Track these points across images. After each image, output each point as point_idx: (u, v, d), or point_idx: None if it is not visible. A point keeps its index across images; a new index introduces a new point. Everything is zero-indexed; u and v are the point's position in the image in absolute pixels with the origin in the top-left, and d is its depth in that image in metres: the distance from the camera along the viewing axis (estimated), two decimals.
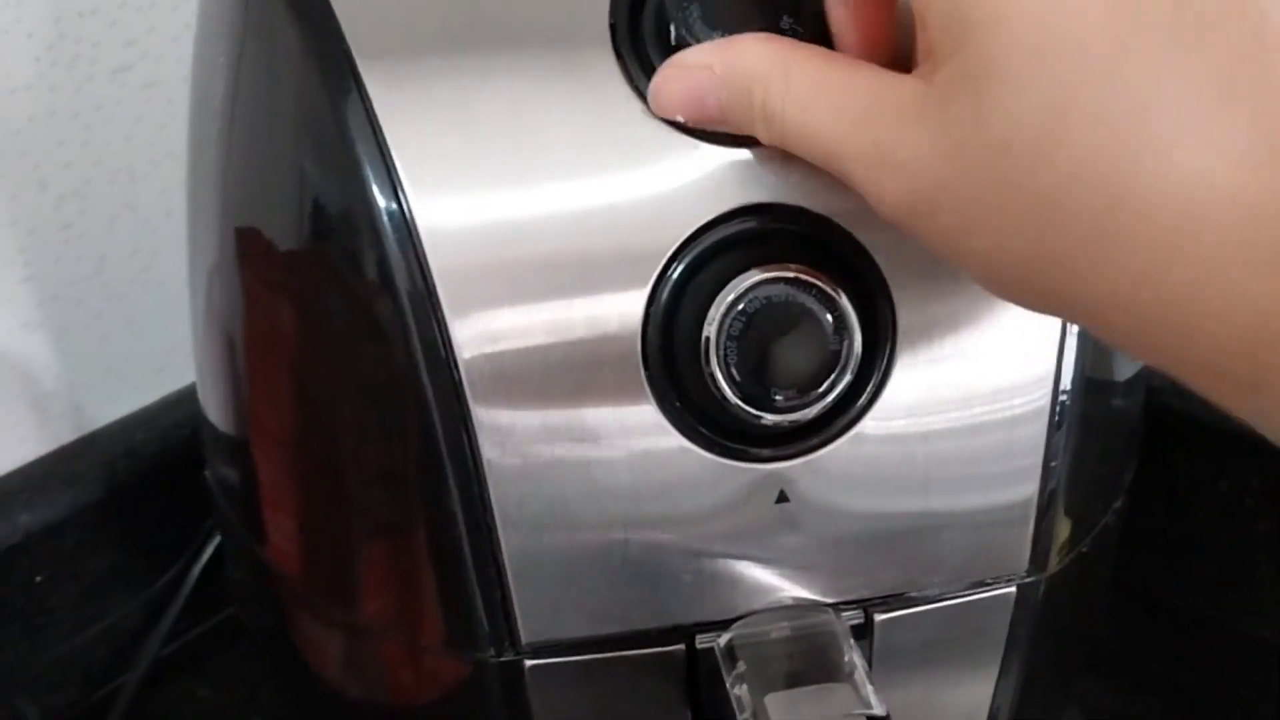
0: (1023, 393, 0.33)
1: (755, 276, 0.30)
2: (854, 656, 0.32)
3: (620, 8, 0.31)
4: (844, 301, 0.30)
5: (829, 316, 0.30)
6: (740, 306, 0.30)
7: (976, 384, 0.32)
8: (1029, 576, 0.35)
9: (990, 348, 0.32)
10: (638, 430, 0.32)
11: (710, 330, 0.30)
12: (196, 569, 0.58)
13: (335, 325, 0.34)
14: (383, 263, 0.31)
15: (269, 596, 0.42)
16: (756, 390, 0.31)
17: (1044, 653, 0.39)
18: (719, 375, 0.31)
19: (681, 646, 0.34)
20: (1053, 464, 0.34)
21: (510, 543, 0.32)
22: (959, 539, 0.34)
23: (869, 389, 0.32)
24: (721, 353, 0.30)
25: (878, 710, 0.31)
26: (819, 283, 0.30)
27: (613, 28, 0.31)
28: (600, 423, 0.32)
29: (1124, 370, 0.38)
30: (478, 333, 0.31)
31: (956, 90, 0.25)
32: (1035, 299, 0.26)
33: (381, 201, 0.31)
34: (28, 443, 0.57)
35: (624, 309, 0.31)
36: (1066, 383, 0.33)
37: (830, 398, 0.31)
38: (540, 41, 0.31)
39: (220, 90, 0.36)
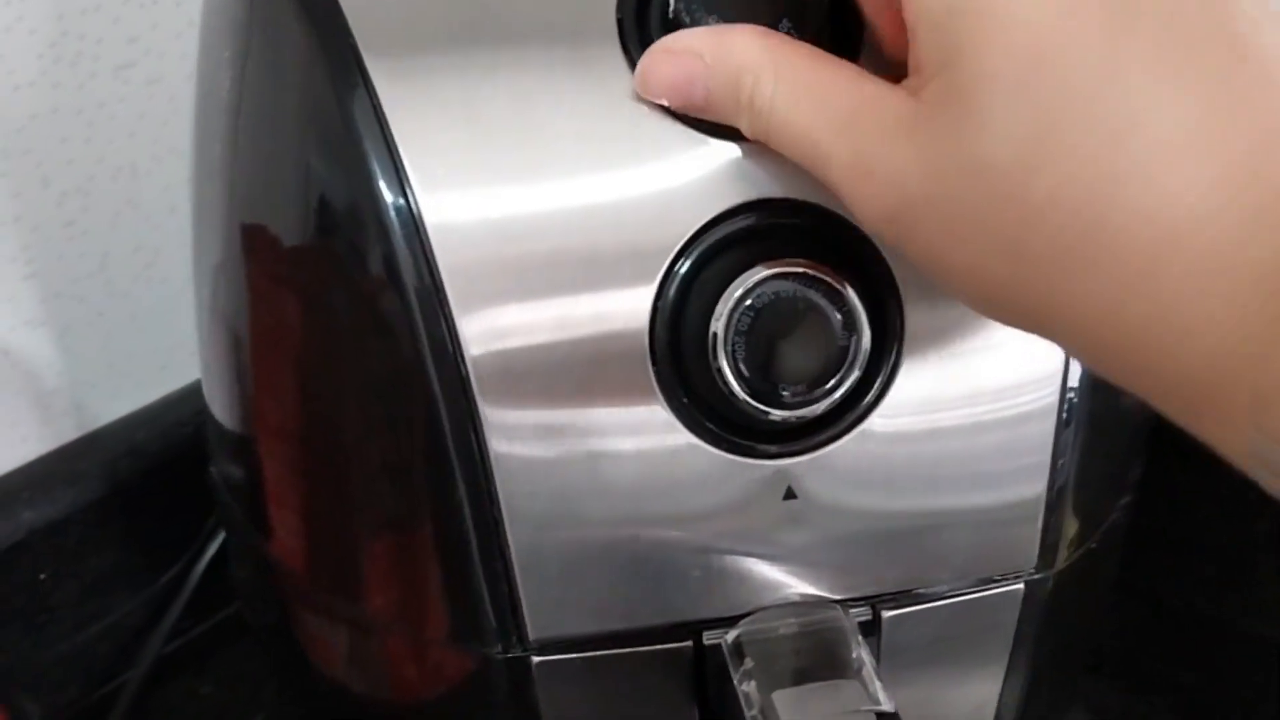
0: (1031, 390, 0.33)
1: (763, 272, 0.30)
2: (862, 653, 0.32)
3: (627, 3, 0.31)
4: (852, 297, 0.30)
5: (837, 312, 0.30)
6: (748, 302, 0.30)
7: (984, 381, 0.32)
8: (1037, 573, 0.35)
9: (998, 345, 0.32)
10: (645, 426, 0.32)
11: (718, 326, 0.30)
12: (199, 567, 0.58)
13: (342, 321, 0.34)
14: (390, 258, 0.31)
15: (274, 593, 0.42)
16: (764, 386, 0.31)
17: (1051, 650, 0.38)
18: (727, 371, 0.30)
19: (689, 643, 0.34)
20: (1061, 461, 0.34)
21: (517, 538, 0.32)
22: (967, 536, 0.34)
23: (877, 385, 0.32)
24: (729, 348, 0.30)
25: (886, 707, 0.31)
26: (827, 278, 0.30)
27: (620, 23, 0.31)
28: (607, 418, 0.32)
29: None
30: (485, 328, 0.31)
31: (942, 108, 0.25)
32: (1012, 316, 0.27)
33: (388, 197, 0.31)
34: (30, 440, 0.57)
35: (631, 305, 0.31)
36: (1074, 380, 0.33)
37: (838, 394, 0.31)
38: (547, 37, 0.31)
39: (225, 86, 0.36)
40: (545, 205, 0.30)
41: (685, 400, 0.32)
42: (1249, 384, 0.22)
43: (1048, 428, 0.33)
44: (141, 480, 0.58)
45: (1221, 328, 0.23)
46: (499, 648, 0.34)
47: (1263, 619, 0.54)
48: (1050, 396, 0.33)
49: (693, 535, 0.33)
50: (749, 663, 0.33)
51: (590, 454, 0.32)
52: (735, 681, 0.32)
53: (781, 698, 0.31)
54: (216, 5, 0.37)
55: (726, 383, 0.31)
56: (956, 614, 0.35)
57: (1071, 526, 0.36)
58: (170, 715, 0.59)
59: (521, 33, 0.31)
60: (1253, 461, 0.24)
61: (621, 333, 0.31)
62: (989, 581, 0.35)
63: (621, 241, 0.31)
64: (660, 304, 0.31)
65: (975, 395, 0.33)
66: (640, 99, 0.30)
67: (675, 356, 0.31)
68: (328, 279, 0.34)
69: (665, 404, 0.31)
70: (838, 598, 0.34)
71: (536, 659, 0.34)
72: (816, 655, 0.33)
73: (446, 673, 0.37)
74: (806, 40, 0.29)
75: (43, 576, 0.55)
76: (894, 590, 0.35)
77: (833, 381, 0.31)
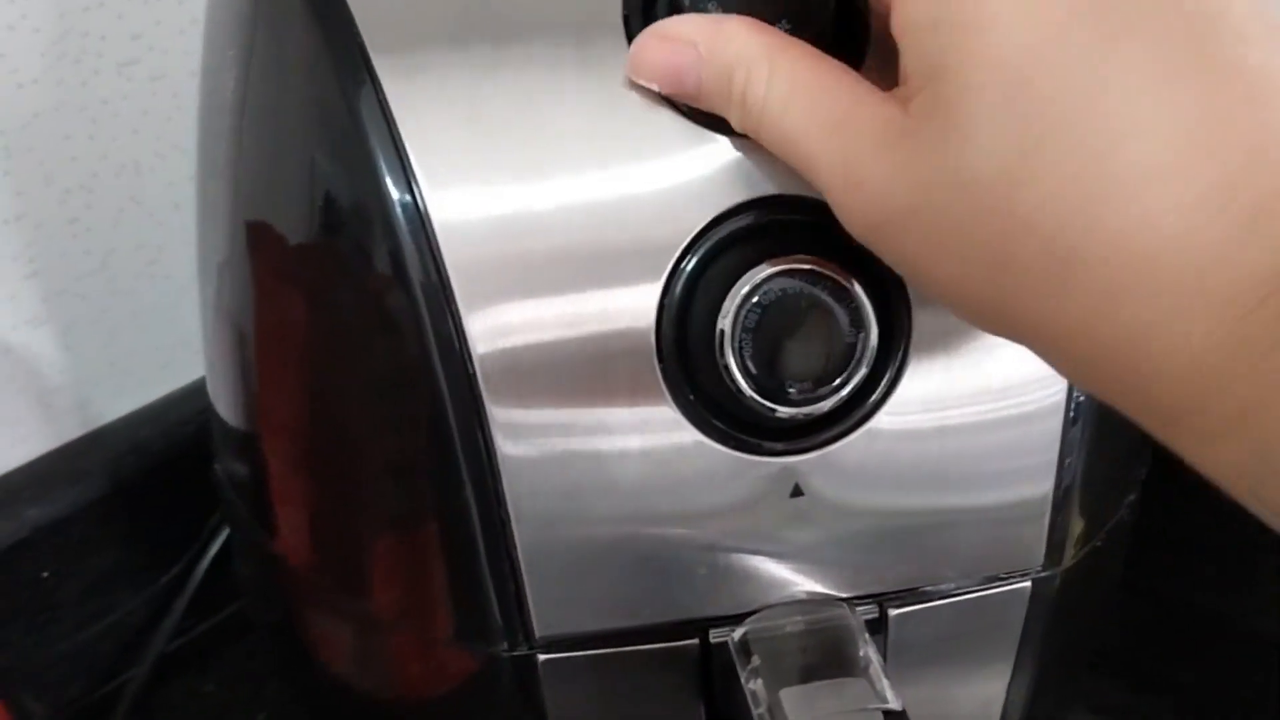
0: (1038, 388, 0.33)
1: (770, 269, 0.30)
2: (869, 651, 0.32)
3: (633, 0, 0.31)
4: (860, 294, 0.30)
5: (844, 309, 0.30)
6: (755, 299, 0.30)
7: (992, 379, 0.32)
8: (1044, 571, 0.35)
9: (1006, 343, 0.32)
10: (651, 424, 0.32)
11: (725, 323, 0.30)
12: (202, 565, 0.58)
13: (348, 319, 0.34)
14: (396, 255, 0.31)
15: (278, 590, 0.42)
16: (771, 383, 0.31)
17: (1057, 648, 0.38)
18: (734, 368, 0.30)
19: (695, 641, 0.34)
20: (1068, 459, 0.34)
21: (524, 536, 0.32)
22: (973, 534, 0.34)
23: (884, 383, 0.32)
24: (736, 345, 0.30)
25: (894, 705, 0.31)
26: (834, 275, 0.30)
27: (626, 19, 0.31)
28: (614, 416, 0.32)
29: None
30: (491, 326, 0.31)
31: (927, 120, 0.25)
32: (996, 327, 0.27)
33: (395, 194, 0.30)
34: (33, 438, 0.57)
35: (638, 302, 0.31)
36: None
37: (845, 391, 0.31)
38: (554, 34, 0.31)
39: (231, 84, 0.36)
40: (552, 202, 0.30)
41: (691, 398, 0.32)
42: (1230, 400, 0.23)
43: (1055, 426, 0.33)
44: (144, 479, 0.58)
45: (1201, 344, 0.23)
46: (505, 646, 0.34)
47: (1264, 617, 0.54)
48: (1057, 395, 0.33)
49: (699, 533, 0.33)
50: (756, 660, 0.32)
51: (596, 452, 0.32)
52: (742, 679, 0.32)
53: (789, 695, 0.31)
54: (221, 2, 0.37)
55: (734, 380, 0.30)
56: (963, 612, 0.35)
57: (1078, 525, 0.36)
58: (173, 714, 0.59)
59: (528, 30, 0.31)
60: (1232, 479, 0.24)
61: (628, 330, 0.31)
62: (996, 580, 0.35)
63: (628, 238, 0.31)
64: (667, 301, 0.31)
65: (982, 393, 0.32)
66: (642, 91, 0.30)
67: (682, 354, 0.31)
68: (334, 276, 0.34)
69: (671, 402, 0.31)
70: (844, 595, 0.34)
71: (542, 657, 0.34)
72: (823, 653, 0.33)
73: (452, 671, 0.37)
74: (806, 40, 0.29)
75: (45, 575, 0.55)
76: (901, 588, 0.35)
77: (840, 379, 0.31)
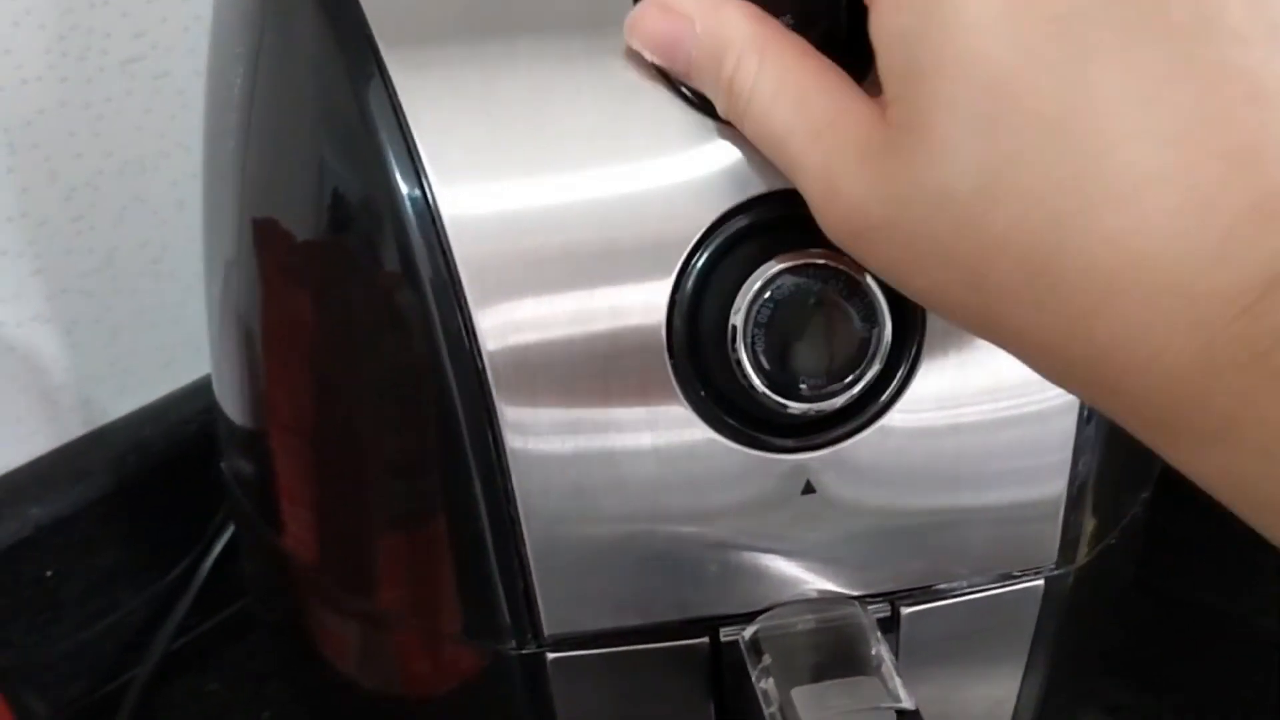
0: (1052, 386, 0.32)
1: (782, 264, 0.30)
2: (881, 649, 0.32)
3: None
4: (873, 289, 0.30)
5: (858, 304, 0.30)
6: (767, 294, 0.30)
7: (1006, 376, 0.32)
8: (1057, 569, 0.35)
9: None
10: (662, 421, 0.31)
11: (737, 319, 0.30)
12: (206, 563, 0.58)
13: (357, 315, 0.34)
14: (405, 251, 0.31)
15: (285, 588, 0.41)
16: (783, 379, 0.30)
17: (1071, 646, 0.38)
18: (746, 364, 0.30)
19: (705, 639, 0.34)
20: (1082, 457, 0.34)
21: (533, 534, 0.32)
22: (987, 532, 0.34)
23: (897, 379, 0.32)
24: (748, 341, 0.30)
25: (907, 704, 0.30)
26: (848, 270, 0.30)
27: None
28: (624, 413, 0.31)
29: None
30: (502, 322, 0.30)
31: (903, 132, 0.25)
32: (978, 333, 0.27)
33: (404, 189, 0.30)
34: (37, 437, 0.57)
35: (649, 298, 0.31)
36: None
37: (858, 387, 0.31)
38: (564, 26, 0.31)
39: (238, 79, 0.36)
40: (562, 198, 0.30)
41: (703, 394, 0.31)
42: (1211, 410, 0.23)
43: (1069, 423, 0.33)
44: (148, 477, 0.58)
45: (1177, 358, 0.23)
46: (513, 644, 0.34)
47: (1274, 616, 0.54)
48: None
49: (710, 531, 0.33)
50: (767, 659, 0.32)
51: (606, 449, 0.32)
52: (753, 678, 0.32)
53: (800, 694, 0.31)
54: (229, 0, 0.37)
55: (746, 376, 0.30)
56: (976, 610, 0.35)
57: (1092, 522, 0.35)
58: (176, 713, 0.59)
59: (539, 23, 0.31)
60: (1220, 486, 0.24)
61: (638, 327, 0.31)
62: (1009, 578, 0.35)
63: (639, 234, 0.30)
64: (678, 297, 0.31)
65: (997, 390, 0.32)
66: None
67: (693, 350, 0.31)
68: (342, 273, 0.34)
69: (682, 398, 0.31)
70: (856, 594, 0.34)
71: (551, 655, 0.34)
72: (835, 652, 0.33)
73: (460, 669, 0.37)
74: (812, 39, 0.29)
75: (49, 573, 0.55)
76: (913, 586, 0.34)
77: (853, 375, 0.31)
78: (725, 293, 0.30)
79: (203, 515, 0.58)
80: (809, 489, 0.32)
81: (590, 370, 0.31)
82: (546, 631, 0.33)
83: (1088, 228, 0.23)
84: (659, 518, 0.32)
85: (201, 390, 0.57)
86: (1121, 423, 0.25)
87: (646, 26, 0.29)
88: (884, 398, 0.32)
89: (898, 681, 0.31)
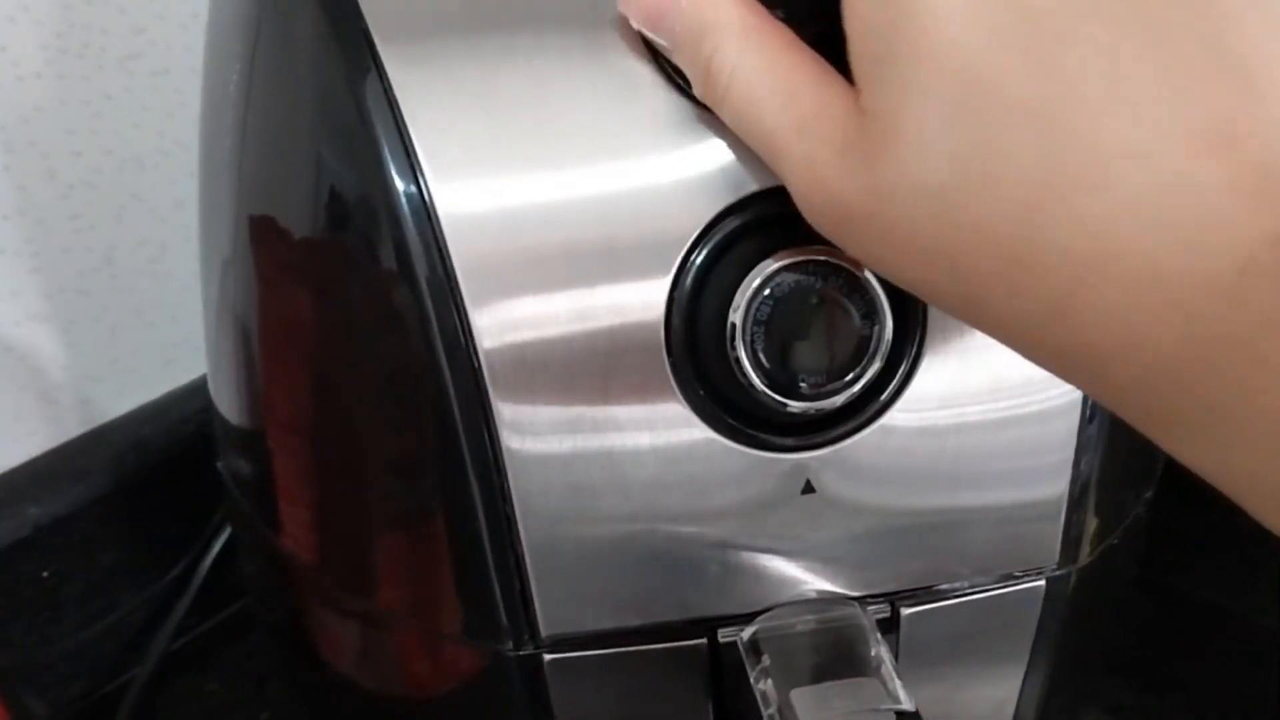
0: (1054, 384, 0.32)
1: (782, 260, 0.30)
2: (881, 650, 0.32)
3: None
4: (874, 286, 0.30)
5: (858, 302, 0.30)
6: (767, 291, 0.30)
7: (1008, 375, 0.32)
8: (1059, 569, 0.35)
9: None
10: (660, 420, 0.31)
11: (736, 316, 0.30)
12: (205, 563, 0.58)
13: (353, 314, 0.34)
14: (401, 249, 0.30)
15: (283, 588, 0.41)
16: (783, 377, 0.30)
17: (1073, 646, 0.38)
18: (745, 362, 0.30)
19: (704, 640, 0.34)
20: (1084, 457, 0.33)
21: (530, 534, 0.32)
22: (988, 532, 0.34)
23: (898, 377, 0.32)
24: (747, 339, 0.30)
25: (906, 705, 0.30)
26: (848, 267, 0.30)
27: None
28: (622, 412, 0.31)
29: None
30: (498, 320, 0.30)
31: (878, 122, 0.25)
32: (965, 320, 0.27)
33: (400, 186, 0.30)
34: (35, 436, 0.57)
35: (647, 296, 0.30)
36: None
37: (858, 385, 0.31)
38: (562, 22, 0.31)
39: (235, 76, 0.36)
40: (559, 195, 0.30)
41: (701, 393, 0.31)
42: (1195, 398, 0.22)
43: (1071, 423, 0.33)
44: (147, 476, 0.58)
45: (1168, 339, 0.22)
46: (510, 644, 0.33)
47: (1276, 615, 0.54)
48: (1074, 391, 0.33)
49: (708, 530, 0.32)
50: (766, 660, 0.32)
51: (604, 448, 0.31)
52: (752, 679, 0.32)
53: (799, 696, 0.31)
54: None
55: (745, 374, 0.30)
56: (977, 611, 0.35)
57: (1094, 522, 0.35)
58: (175, 713, 0.59)
59: (536, 19, 0.31)
60: (1221, 476, 0.23)
61: (636, 325, 0.30)
62: (1010, 578, 0.35)
63: (636, 231, 0.30)
64: (676, 295, 0.30)
65: (998, 390, 0.32)
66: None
67: (691, 349, 0.31)
68: (338, 271, 0.33)
69: (681, 397, 0.31)
70: (856, 594, 0.34)
71: (548, 656, 0.33)
72: (835, 652, 0.32)
73: (458, 669, 0.36)
74: (802, 35, 0.28)
75: (48, 573, 0.55)
76: (913, 587, 0.34)
77: (853, 373, 0.30)
78: (724, 290, 0.30)
79: (202, 515, 0.58)
80: (809, 488, 0.32)
81: (587, 369, 0.31)
82: (544, 632, 0.33)
83: (1061, 215, 0.23)
84: (657, 517, 0.32)
85: (201, 389, 0.57)
86: (1116, 411, 0.25)
87: None
88: (884, 396, 0.32)
89: (897, 683, 0.31)
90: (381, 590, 0.36)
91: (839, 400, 0.31)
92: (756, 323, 0.30)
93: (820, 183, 0.26)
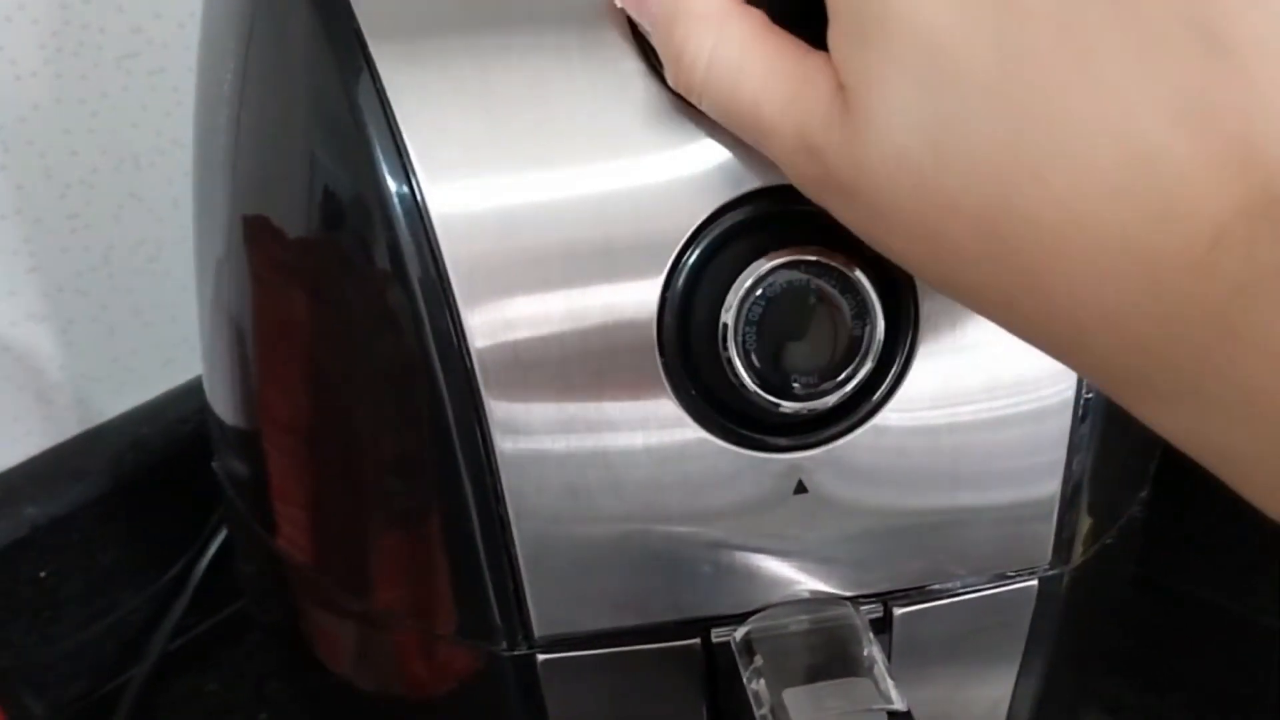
0: (1048, 384, 0.32)
1: (774, 260, 0.30)
2: (873, 651, 0.32)
3: None
4: (866, 285, 0.30)
5: (850, 301, 0.30)
6: (759, 291, 0.30)
7: (1000, 374, 0.32)
8: (1052, 569, 0.35)
9: (1015, 337, 0.32)
10: (653, 420, 0.31)
11: (728, 316, 0.30)
12: (203, 563, 0.58)
13: (346, 313, 0.34)
14: (394, 249, 0.30)
15: (279, 588, 0.41)
16: (775, 377, 0.30)
17: (1066, 647, 0.38)
18: (737, 362, 0.30)
19: (697, 640, 0.34)
20: (1077, 456, 0.33)
21: (523, 534, 0.32)
22: (981, 531, 0.34)
23: (890, 377, 0.32)
24: (739, 338, 0.30)
25: (899, 705, 0.30)
26: (840, 266, 0.30)
27: None
28: (615, 412, 0.31)
29: None
30: (490, 320, 0.30)
31: (857, 93, 0.25)
32: (947, 294, 0.27)
33: (392, 186, 0.30)
34: (33, 436, 0.57)
35: (639, 296, 0.30)
36: None
37: (850, 385, 0.31)
38: (555, 21, 0.31)
39: (228, 75, 0.36)
40: (552, 195, 0.30)
41: (694, 393, 0.31)
42: (1170, 367, 0.22)
43: (1064, 422, 0.33)
44: (146, 476, 0.58)
45: (1140, 309, 0.22)
46: (504, 645, 0.33)
47: (1275, 614, 0.54)
48: (1067, 391, 0.33)
49: (701, 531, 0.32)
50: (759, 660, 0.32)
51: (596, 448, 0.31)
52: (745, 679, 0.32)
53: (792, 696, 0.31)
54: None
55: (737, 374, 0.30)
56: (970, 611, 0.35)
57: (1087, 522, 0.35)
58: (175, 712, 0.59)
59: (529, 17, 0.31)
60: (1193, 445, 0.23)
61: (629, 325, 0.30)
62: (1003, 578, 0.35)
63: (629, 231, 0.30)
64: (669, 295, 0.30)
65: (991, 389, 0.32)
66: (648, 88, 0.30)
67: (684, 349, 0.31)
68: (331, 270, 0.33)
69: (673, 397, 0.31)
70: (849, 594, 0.34)
71: (542, 657, 0.33)
72: (827, 653, 0.32)
73: (452, 669, 0.36)
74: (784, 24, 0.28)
75: (46, 573, 0.55)
76: (906, 587, 0.34)
77: (845, 373, 0.30)
78: (716, 290, 0.30)
79: (201, 514, 0.58)
80: (801, 488, 0.32)
81: (580, 369, 0.31)
82: (537, 633, 0.33)
83: (1032, 187, 0.23)
84: (650, 518, 0.32)
85: (199, 389, 0.57)
86: (1095, 383, 0.25)
87: None
88: (877, 396, 0.32)
89: (890, 683, 0.31)
90: (375, 591, 0.36)
91: (831, 400, 0.31)
92: (749, 323, 0.30)
93: (810, 153, 0.26)
